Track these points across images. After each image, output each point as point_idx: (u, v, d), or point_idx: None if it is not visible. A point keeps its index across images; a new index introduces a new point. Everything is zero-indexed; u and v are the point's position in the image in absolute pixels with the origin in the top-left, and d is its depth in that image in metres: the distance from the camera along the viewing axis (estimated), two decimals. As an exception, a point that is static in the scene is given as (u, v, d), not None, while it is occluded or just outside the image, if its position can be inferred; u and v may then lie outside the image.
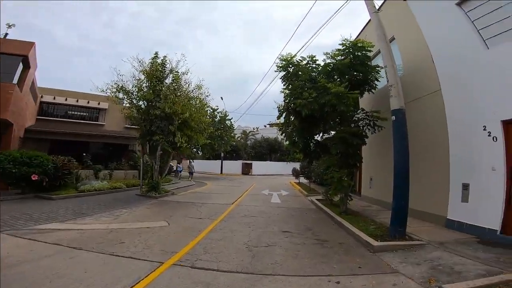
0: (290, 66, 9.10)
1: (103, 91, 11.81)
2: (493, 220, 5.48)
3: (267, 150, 41.32)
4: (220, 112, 29.88)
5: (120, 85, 12.10)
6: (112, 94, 11.99)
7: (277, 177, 31.61)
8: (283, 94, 9.68)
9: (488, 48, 5.84)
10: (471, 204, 6.07)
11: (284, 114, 9.53)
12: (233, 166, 37.44)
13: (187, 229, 6.68)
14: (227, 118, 30.13)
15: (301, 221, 7.91)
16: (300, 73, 9.07)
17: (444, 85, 7.03)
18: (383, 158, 10.20)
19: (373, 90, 9.34)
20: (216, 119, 29.18)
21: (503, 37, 5.50)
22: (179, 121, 11.65)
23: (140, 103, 12.62)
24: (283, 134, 10.33)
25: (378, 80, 9.25)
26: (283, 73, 9.39)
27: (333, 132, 9.71)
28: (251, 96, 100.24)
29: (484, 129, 5.80)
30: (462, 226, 6.19)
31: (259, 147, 41.26)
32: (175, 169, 29.08)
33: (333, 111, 8.23)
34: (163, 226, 6.95)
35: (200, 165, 40.11)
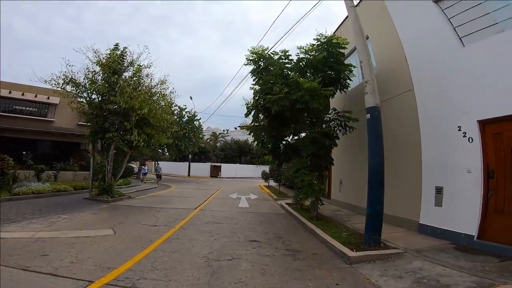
0: (261, 59, 8.45)
1: (46, 81, 10.23)
2: (469, 225, 5.22)
3: (237, 153, 40.45)
4: (188, 112, 28.52)
5: (70, 76, 10.58)
6: (57, 86, 10.43)
7: (247, 180, 30.92)
8: (252, 91, 9.01)
9: (464, 46, 5.65)
10: (445, 208, 5.82)
11: (252, 112, 8.83)
12: (202, 169, 36.05)
13: (136, 238, 5.65)
14: (195, 118, 28.80)
15: (270, 228, 7.22)
16: (271, 68, 8.47)
17: (417, 84, 6.83)
18: (354, 161, 9.95)
19: (345, 90, 9.03)
20: (184, 119, 27.76)
21: (479, 34, 5.32)
22: (137, 118, 10.44)
23: (94, 97, 11.20)
24: (251, 134, 9.58)
25: (350, 79, 8.97)
26: (253, 67, 8.71)
27: (303, 135, 9.26)
28: (222, 98, 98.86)
29: (459, 130, 5.58)
30: (436, 232, 5.92)
31: (229, 149, 40.25)
32: (137, 170, 27.06)
33: (305, 109, 7.72)
34: (107, 235, 5.85)
35: (167, 167, 38.17)
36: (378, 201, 5.32)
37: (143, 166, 24.24)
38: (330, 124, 8.55)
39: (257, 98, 8.67)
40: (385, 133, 6.25)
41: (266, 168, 22.70)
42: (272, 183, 20.05)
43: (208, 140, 41.81)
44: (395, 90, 7.60)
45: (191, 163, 35.83)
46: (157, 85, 12.06)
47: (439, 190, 5.96)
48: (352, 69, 8.76)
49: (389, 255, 4.85)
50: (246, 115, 8.74)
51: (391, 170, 6.79)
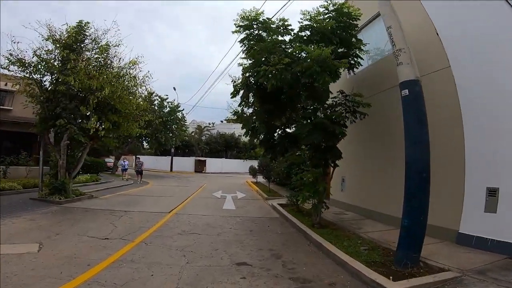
0: (255, 24, 6.65)
1: None
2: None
3: (222, 147, 38.44)
4: (170, 102, 26.22)
5: (16, 55, 8.60)
6: None
7: (233, 175, 29.12)
8: (241, 68, 7.22)
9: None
10: (501, 215, 4.37)
11: (241, 92, 7.03)
12: (185, 163, 33.91)
13: (67, 260, 3.85)
14: (178, 109, 26.54)
15: (264, 240, 5.50)
16: (269, 36, 6.70)
17: (455, 61, 5.37)
18: (360, 154, 8.48)
19: (355, 68, 7.44)
20: (166, 110, 25.51)
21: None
22: (96, 101, 8.45)
23: (46, 78, 9.30)
24: (239, 120, 7.75)
25: (361, 58, 7.38)
26: (243, 35, 6.93)
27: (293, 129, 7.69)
28: (209, 91, 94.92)
29: (526, 113, 4.09)
30: (486, 244, 4.49)
31: (214, 143, 38.15)
32: (113, 165, 24.68)
33: (309, 87, 6.09)
34: (25, 254, 4.03)
35: (148, 162, 35.88)
36: (421, 209, 3.77)
37: (123, 161, 21.19)
38: (336, 109, 6.96)
39: (247, 75, 6.94)
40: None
41: (254, 163, 21.05)
42: (260, 179, 18.44)
43: (193, 134, 39.59)
44: (424, 68, 6.02)
45: (174, 157, 33.63)
46: (127, 65, 10.02)
47: (492, 192, 4.47)
48: (363, 47, 7.21)
49: (445, 282, 3.40)
50: (233, 95, 6.93)
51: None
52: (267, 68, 5.53)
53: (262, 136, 7.91)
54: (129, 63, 9.95)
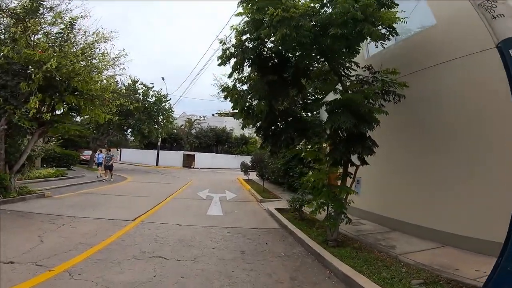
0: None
1: None
2: None
3: (213, 141, 36.36)
4: (156, 91, 23.98)
5: None
6: None
7: (224, 171, 27.22)
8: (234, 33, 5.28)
9: None
10: None
11: (233, 60, 5.08)
12: (173, 158, 31.86)
13: None
14: (164, 99, 24.31)
15: (263, 271, 3.63)
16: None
17: None
18: (382, 149, 6.75)
19: (387, 39, 5.66)
20: (151, 100, 23.30)
21: None
22: (40, 76, 6.44)
23: None
24: (227, 97, 5.69)
25: (395, 28, 5.57)
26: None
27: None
28: (197, 77, 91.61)
29: None
30: None
31: (205, 136, 36.02)
32: (89, 159, 22.36)
33: (340, 42, 4.27)
34: None
35: (134, 155, 33.80)
36: None
37: (97, 154, 18.39)
38: (362, 88, 5.19)
39: (244, 38, 5.04)
40: (469, 107, 3.25)
41: (246, 159, 19.25)
42: (253, 176, 16.67)
43: (182, 126, 37.39)
44: (484, 43, 4.36)
45: (161, 151, 31.54)
46: (90, 36, 8.05)
47: None
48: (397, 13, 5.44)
49: None
50: (221, 61, 4.95)
51: (483, 169, 3.70)
52: (274, 11, 3.67)
53: (261, 120, 5.89)
54: (93, 34, 7.99)
